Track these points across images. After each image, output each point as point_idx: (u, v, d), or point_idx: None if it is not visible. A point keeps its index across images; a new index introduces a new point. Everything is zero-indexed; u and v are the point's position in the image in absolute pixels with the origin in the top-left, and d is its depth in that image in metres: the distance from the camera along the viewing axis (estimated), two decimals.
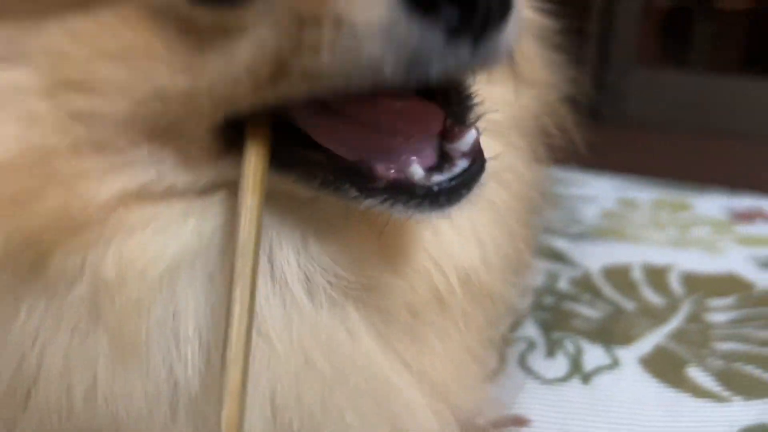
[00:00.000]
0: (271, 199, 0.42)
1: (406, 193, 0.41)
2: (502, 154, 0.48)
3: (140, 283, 0.42)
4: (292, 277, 0.45)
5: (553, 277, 1.03)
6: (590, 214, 1.29)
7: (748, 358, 0.81)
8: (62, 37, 0.40)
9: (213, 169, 0.43)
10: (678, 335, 0.86)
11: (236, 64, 0.39)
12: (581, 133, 0.64)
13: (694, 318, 0.91)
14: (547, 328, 0.88)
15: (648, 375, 0.78)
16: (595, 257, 1.09)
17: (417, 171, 0.40)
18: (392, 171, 0.40)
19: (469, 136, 0.41)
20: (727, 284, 1.01)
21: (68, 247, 0.41)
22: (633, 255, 1.10)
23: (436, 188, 0.40)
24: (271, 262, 0.45)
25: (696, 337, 0.86)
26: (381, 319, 0.47)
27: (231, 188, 0.43)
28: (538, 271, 1.05)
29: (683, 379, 0.78)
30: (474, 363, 0.54)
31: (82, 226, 0.41)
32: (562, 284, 1.01)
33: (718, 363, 0.80)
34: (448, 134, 0.42)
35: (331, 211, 0.45)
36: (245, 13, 0.38)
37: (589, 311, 0.92)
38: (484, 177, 0.42)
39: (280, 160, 0.42)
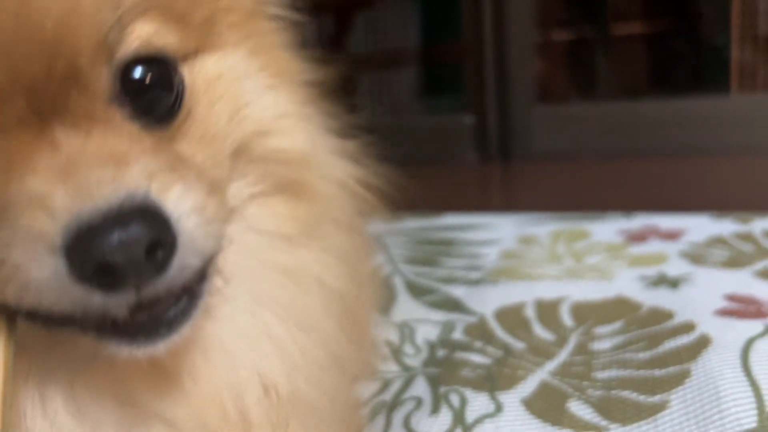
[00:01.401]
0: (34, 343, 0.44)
1: (114, 331, 0.43)
2: (303, 263, 0.52)
3: None
4: (64, 414, 0.46)
5: (449, 328, 1.03)
6: (491, 257, 1.30)
7: (626, 384, 0.81)
8: None
9: None
10: (562, 370, 0.87)
11: None
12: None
13: (580, 349, 0.91)
14: (435, 383, 0.88)
15: (530, 416, 0.78)
16: (490, 301, 1.10)
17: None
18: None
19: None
20: (616, 309, 1.02)
21: None
22: (527, 293, 1.11)
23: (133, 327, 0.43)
24: (42, 401, 0.46)
25: (579, 369, 0.87)
26: None
27: None
28: (434, 325, 1.05)
29: (564, 415, 0.78)
30: None
31: None
32: (457, 334, 1.01)
33: (598, 393, 0.81)
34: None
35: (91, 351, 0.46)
36: None
37: (479, 359, 0.92)
38: (192, 315, 0.45)
39: None
